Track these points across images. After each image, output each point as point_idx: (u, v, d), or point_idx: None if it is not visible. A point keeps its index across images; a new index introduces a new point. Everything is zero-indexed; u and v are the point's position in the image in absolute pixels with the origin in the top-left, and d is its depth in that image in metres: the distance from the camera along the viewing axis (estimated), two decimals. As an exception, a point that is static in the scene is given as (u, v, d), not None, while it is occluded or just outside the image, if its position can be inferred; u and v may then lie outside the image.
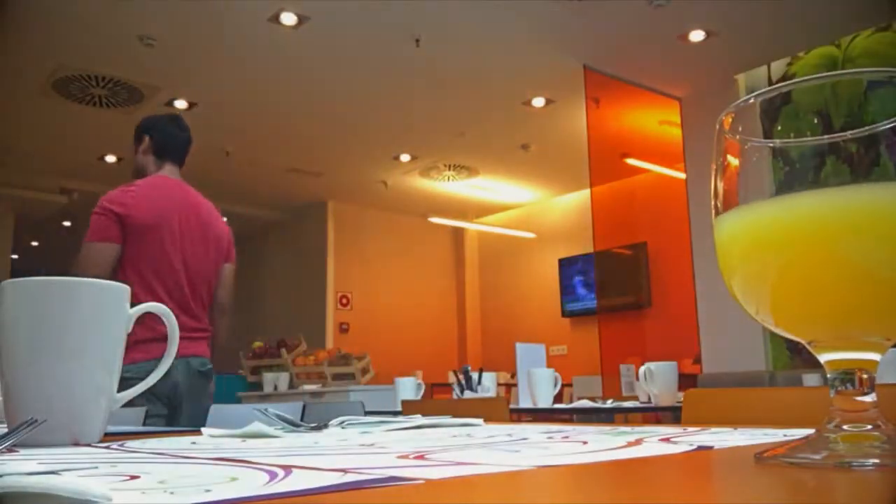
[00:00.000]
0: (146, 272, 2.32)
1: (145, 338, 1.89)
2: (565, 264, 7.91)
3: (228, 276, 2.60)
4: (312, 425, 0.82)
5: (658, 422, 3.33)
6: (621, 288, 6.77)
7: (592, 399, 3.36)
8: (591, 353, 6.13)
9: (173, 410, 2.30)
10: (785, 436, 0.58)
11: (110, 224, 2.31)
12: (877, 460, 0.36)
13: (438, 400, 4.74)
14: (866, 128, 0.40)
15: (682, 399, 1.98)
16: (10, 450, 0.58)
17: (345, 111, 5.80)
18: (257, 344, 6.01)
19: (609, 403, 2.83)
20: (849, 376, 0.40)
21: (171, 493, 0.33)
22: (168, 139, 2.59)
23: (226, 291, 2.57)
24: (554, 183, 7.87)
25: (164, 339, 1.72)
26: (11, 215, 7.91)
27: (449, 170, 7.39)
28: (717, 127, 0.46)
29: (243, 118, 5.96)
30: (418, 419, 0.84)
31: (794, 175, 0.42)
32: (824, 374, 0.42)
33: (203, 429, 0.83)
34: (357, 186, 7.84)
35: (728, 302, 0.49)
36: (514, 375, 3.44)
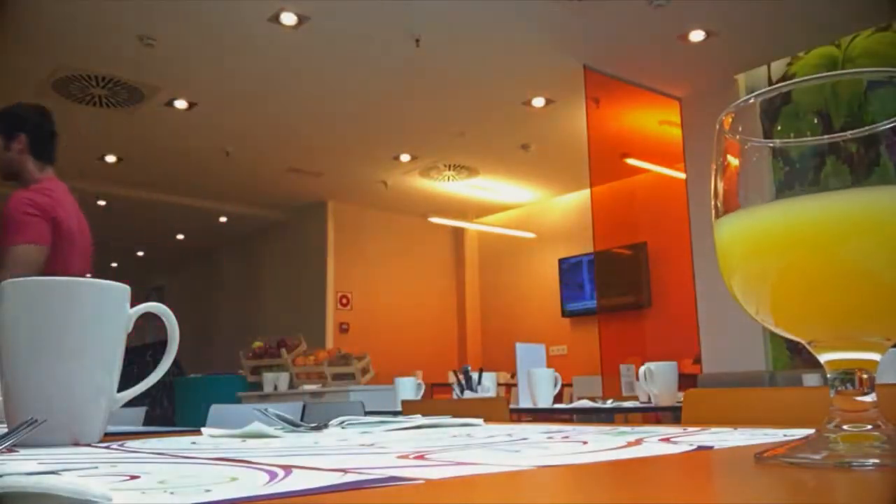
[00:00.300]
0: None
1: None
2: (565, 264, 7.90)
3: None
4: (312, 425, 0.82)
5: (658, 422, 3.33)
6: (621, 288, 6.77)
7: (592, 399, 3.36)
8: (591, 353, 6.12)
9: None
10: (785, 436, 0.58)
11: (42, 225, 2.20)
12: (877, 460, 0.36)
13: (438, 400, 4.74)
14: (866, 128, 0.40)
15: (682, 399, 1.98)
16: (10, 450, 0.58)
17: (345, 111, 5.80)
18: (257, 344, 6.02)
19: (609, 403, 2.83)
20: (849, 376, 0.40)
21: (171, 493, 0.33)
22: (46, 138, 2.41)
23: None
24: (554, 183, 7.87)
25: None
26: (11, 215, 7.90)
27: (449, 170, 7.39)
28: (717, 127, 0.46)
29: (243, 118, 5.96)
30: (418, 419, 0.84)
31: (794, 175, 0.42)
32: (824, 374, 0.42)
33: (203, 429, 0.83)
34: (357, 186, 7.84)
35: (728, 302, 0.49)
36: (514, 375, 3.44)
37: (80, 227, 2.36)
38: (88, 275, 2.36)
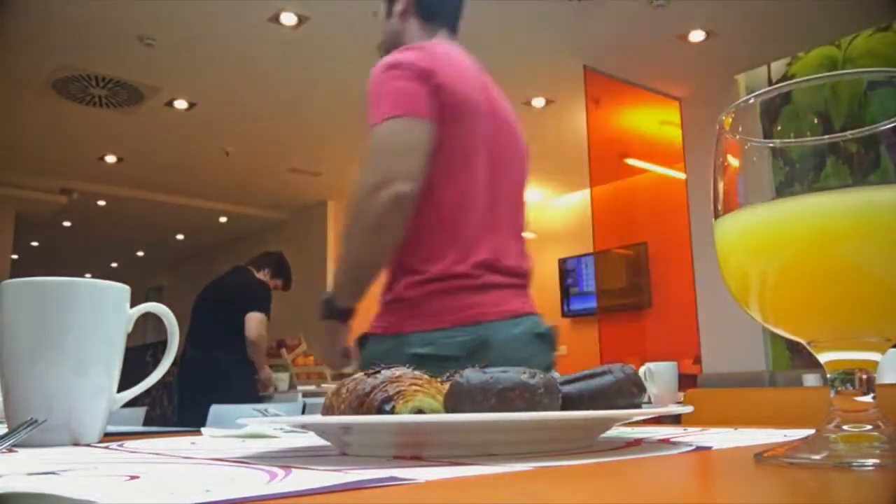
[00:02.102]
0: (463, 182, 1.49)
1: (434, 289, 1.40)
2: (565, 264, 7.90)
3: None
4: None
5: (658, 422, 3.33)
6: (621, 288, 6.77)
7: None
8: (591, 353, 6.12)
9: None
10: (785, 436, 0.58)
11: (421, 92, 1.44)
12: (877, 460, 0.36)
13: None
14: (866, 128, 0.40)
15: (682, 399, 1.98)
16: (10, 450, 0.58)
17: (345, 111, 5.79)
18: (257, 344, 6.01)
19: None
20: (849, 376, 0.40)
21: (171, 493, 0.33)
22: None
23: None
24: (554, 183, 7.86)
25: (493, 286, 1.35)
26: (11, 215, 7.91)
27: (449, 170, 7.39)
28: (717, 127, 0.46)
29: (243, 118, 5.96)
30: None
31: (794, 175, 0.42)
32: (824, 374, 0.42)
33: (203, 429, 0.83)
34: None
35: (728, 302, 0.49)
36: (514, 375, 3.44)
37: (487, 104, 1.59)
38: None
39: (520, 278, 1.55)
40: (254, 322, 4.00)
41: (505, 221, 1.56)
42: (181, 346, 4.15)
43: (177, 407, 4.21)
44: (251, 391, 4.06)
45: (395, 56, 1.52)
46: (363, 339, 1.53)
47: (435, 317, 1.42)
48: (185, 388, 4.04)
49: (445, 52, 1.58)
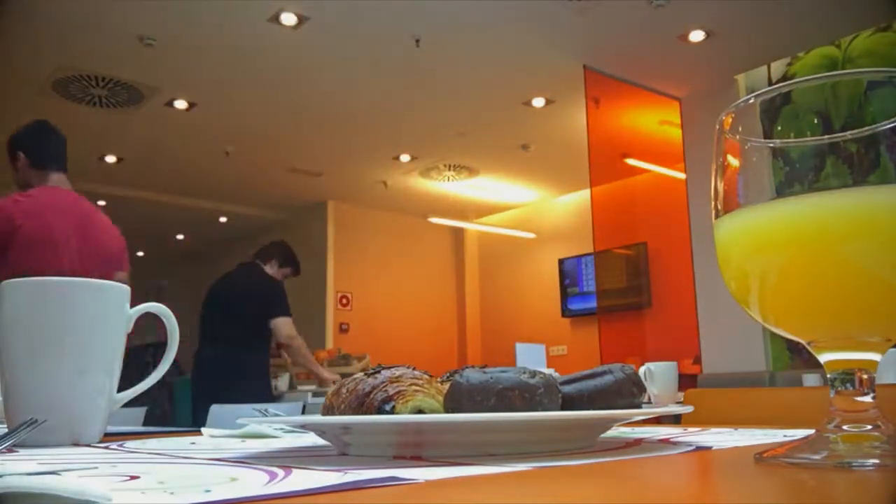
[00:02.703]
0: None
1: None
2: (565, 264, 7.90)
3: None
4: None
5: (658, 422, 3.32)
6: (621, 288, 6.77)
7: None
8: (591, 353, 6.12)
9: None
10: (785, 436, 0.58)
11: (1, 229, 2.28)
12: (877, 460, 0.36)
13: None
14: (866, 128, 0.40)
15: (682, 399, 1.98)
16: (10, 450, 0.58)
17: (345, 111, 5.79)
18: (257, 344, 6.01)
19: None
20: (849, 376, 0.40)
21: (171, 493, 0.33)
22: (42, 147, 2.57)
23: None
24: (554, 183, 7.86)
25: None
26: (11, 215, 7.91)
27: (449, 170, 7.39)
28: (717, 127, 0.46)
29: (243, 118, 5.95)
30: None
31: (794, 175, 0.42)
32: (824, 374, 0.42)
33: (203, 429, 0.83)
34: (357, 186, 7.84)
35: (728, 302, 0.48)
36: (514, 375, 3.43)
37: (56, 234, 2.34)
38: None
39: None
40: (282, 327, 4.02)
41: None
42: (195, 344, 4.15)
43: (192, 406, 4.19)
44: (267, 391, 4.06)
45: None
46: None
47: None
48: (200, 387, 4.03)
49: (32, 198, 2.36)
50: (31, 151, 2.54)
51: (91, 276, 2.12)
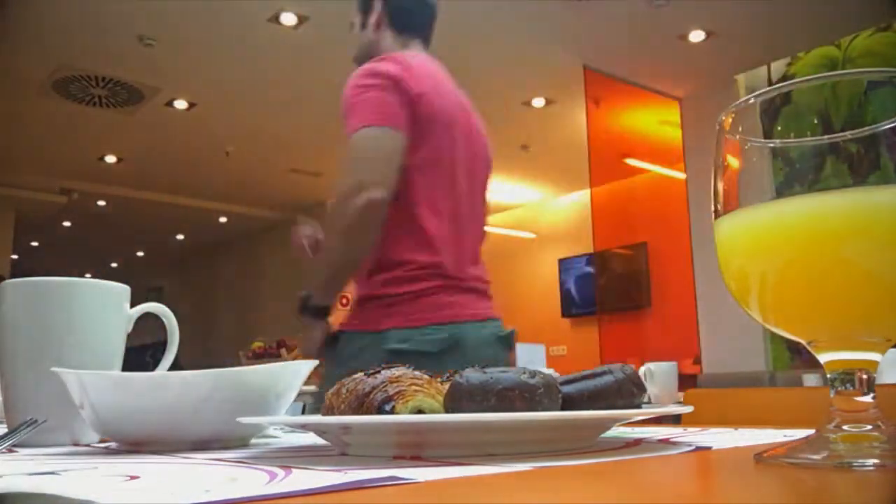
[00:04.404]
0: (437, 189, 1.59)
1: (411, 290, 1.50)
2: (565, 264, 7.90)
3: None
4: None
5: (658, 422, 3.32)
6: (621, 288, 6.77)
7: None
8: (591, 353, 6.12)
9: None
10: (785, 436, 0.58)
11: (395, 102, 1.52)
12: (877, 460, 0.36)
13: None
14: (866, 128, 0.40)
15: (682, 399, 1.97)
16: (10, 450, 0.58)
17: (345, 111, 5.79)
18: (257, 344, 6.02)
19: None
20: (849, 377, 0.40)
21: (171, 493, 0.33)
22: (413, 4, 1.77)
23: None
24: (554, 183, 7.86)
25: (448, 289, 1.46)
26: (11, 215, 7.91)
27: (449, 170, 7.39)
28: (717, 127, 0.46)
29: (243, 118, 5.95)
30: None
31: (794, 175, 0.42)
32: (824, 374, 0.42)
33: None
34: (357, 186, 7.84)
35: (728, 302, 0.49)
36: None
37: (455, 115, 1.65)
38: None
39: (484, 283, 1.69)
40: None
41: (470, 229, 1.69)
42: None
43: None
44: None
45: (370, 66, 1.58)
46: (336, 336, 1.62)
47: (412, 315, 1.52)
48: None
49: (421, 64, 1.63)
50: (398, 9, 1.74)
51: (481, 191, 1.68)
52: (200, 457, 0.51)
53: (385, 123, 1.51)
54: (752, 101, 0.44)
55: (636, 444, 0.55)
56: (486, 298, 1.67)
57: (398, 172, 1.50)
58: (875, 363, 0.41)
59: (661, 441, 0.57)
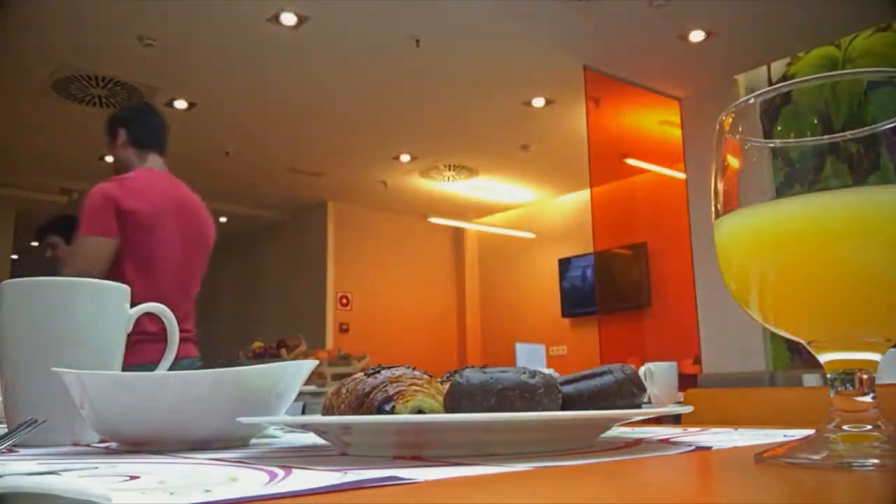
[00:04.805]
0: (150, 270, 2.25)
1: (137, 339, 1.91)
2: (565, 264, 7.90)
3: None
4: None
5: (658, 422, 3.32)
6: (621, 288, 6.77)
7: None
8: (591, 353, 6.12)
9: None
10: (785, 436, 0.58)
11: (110, 216, 2.20)
12: (877, 460, 0.36)
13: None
14: (866, 128, 0.40)
15: (682, 399, 1.97)
16: (10, 450, 0.58)
17: (345, 111, 5.79)
18: (257, 344, 6.01)
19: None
20: (849, 377, 0.40)
21: (171, 493, 0.33)
22: (146, 128, 2.50)
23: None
24: (554, 183, 7.86)
25: (154, 339, 1.66)
26: (11, 215, 7.91)
27: (449, 170, 7.39)
28: (717, 127, 0.46)
29: (243, 118, 5.95)
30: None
31: (794, 175, 0.42)
32: (824, 374, 0.42)
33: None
34: (357, 186, 7.84)
35: (728, 302, 0.49)
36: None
37: (165, 216, 2.31)
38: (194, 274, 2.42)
39: (189, 332, 2.47)
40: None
41: (189, 293, 2.44)
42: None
43: None
44: None
45: (101, 186, 2.23)
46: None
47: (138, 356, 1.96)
48: None
49: (139, 182, 2.31)
50: (134, 129, 2.45)
51: (193, 264, 2.32)
52: (200, 457, 0.51)
53: (99, 233, 2.16)
54: (752, 101, 0.44)
55: (636, 444, 0.55)
56: (187, 344, 2.42)
57: (109, 262, 2.16)
58: (875, 363, 0.41)
59: (661, 441, 0.57)
